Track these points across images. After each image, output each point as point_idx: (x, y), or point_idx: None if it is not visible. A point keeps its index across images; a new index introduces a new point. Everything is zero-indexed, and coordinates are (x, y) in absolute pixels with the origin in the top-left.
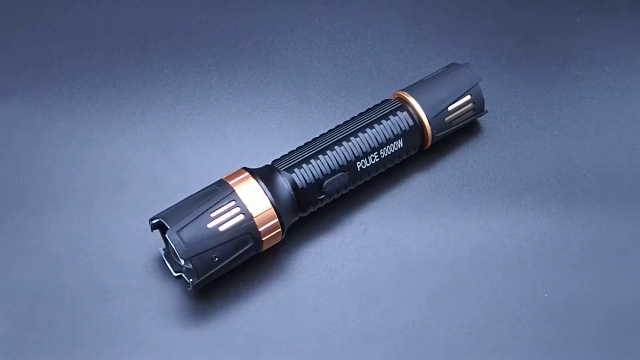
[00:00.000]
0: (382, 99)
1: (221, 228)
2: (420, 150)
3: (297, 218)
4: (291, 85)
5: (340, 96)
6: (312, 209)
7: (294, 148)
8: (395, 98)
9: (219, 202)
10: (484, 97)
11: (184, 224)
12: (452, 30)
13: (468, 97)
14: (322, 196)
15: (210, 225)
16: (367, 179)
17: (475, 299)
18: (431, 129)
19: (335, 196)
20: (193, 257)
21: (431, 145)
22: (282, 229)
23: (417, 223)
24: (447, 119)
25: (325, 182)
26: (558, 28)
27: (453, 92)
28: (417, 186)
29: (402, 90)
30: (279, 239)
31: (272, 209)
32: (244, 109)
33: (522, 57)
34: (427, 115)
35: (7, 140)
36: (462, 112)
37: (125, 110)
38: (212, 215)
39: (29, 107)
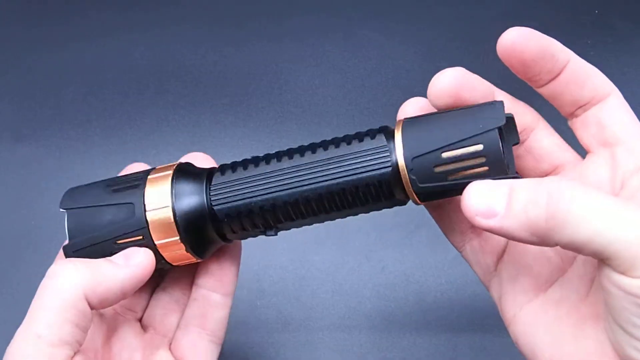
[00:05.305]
0: None
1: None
2: (403, 202)
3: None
4: (306, 124)
5: None
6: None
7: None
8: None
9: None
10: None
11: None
12: (466, 68)
13: (478, 147)
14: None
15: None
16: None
17: (496, 335)
18: (408, 174)
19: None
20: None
21: (425, 200)
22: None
23: (435, 260)
24: (437, 169)
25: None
26: None
27: (456, 133)
28: (434, 223)
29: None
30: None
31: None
32: (259, 147)
33: (537, 95)
34: (405, 153)
35: (22, 183)
36: (464, 165)
37: (140, 151)
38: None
39: (45, 150)
